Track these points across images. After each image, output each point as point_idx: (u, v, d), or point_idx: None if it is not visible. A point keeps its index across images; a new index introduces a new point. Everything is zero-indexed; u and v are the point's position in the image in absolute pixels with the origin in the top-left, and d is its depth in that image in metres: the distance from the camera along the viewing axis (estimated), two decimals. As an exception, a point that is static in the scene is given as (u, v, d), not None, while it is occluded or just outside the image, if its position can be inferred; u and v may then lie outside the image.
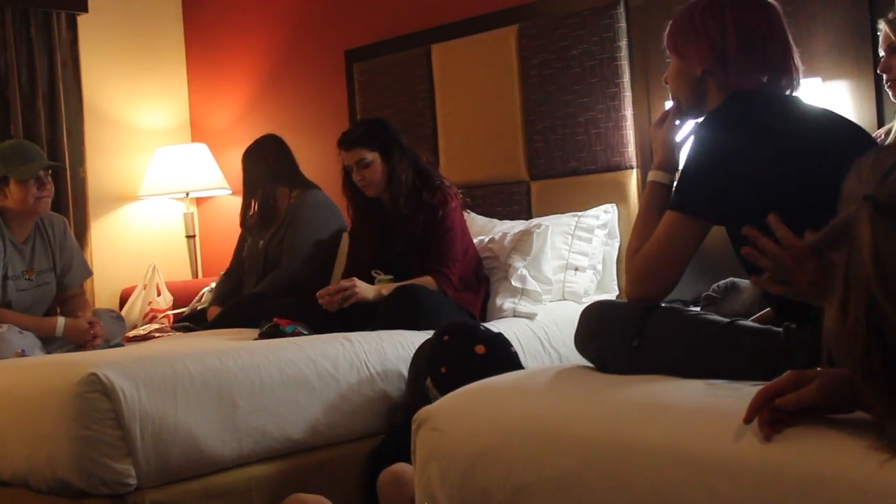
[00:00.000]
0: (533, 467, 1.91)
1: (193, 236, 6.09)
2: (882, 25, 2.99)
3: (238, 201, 4.86)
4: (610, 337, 2.27)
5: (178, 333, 4.36)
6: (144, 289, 5.25)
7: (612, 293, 4.24)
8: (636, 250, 2.28)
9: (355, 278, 3.80)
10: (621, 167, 4.22)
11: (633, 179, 4.20)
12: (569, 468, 1.85)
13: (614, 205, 4.23)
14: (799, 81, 2.34)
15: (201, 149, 6.00)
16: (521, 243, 4.02)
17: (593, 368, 2.33)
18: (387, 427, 3.32)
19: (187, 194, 5.98)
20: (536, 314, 3.88)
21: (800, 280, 1.72)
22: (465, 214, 4.15)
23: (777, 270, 1.73)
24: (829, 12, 3.63)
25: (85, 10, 5.79)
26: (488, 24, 4.69)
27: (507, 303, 3.91)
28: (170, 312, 5.15)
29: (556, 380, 2.27)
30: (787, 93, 2.33)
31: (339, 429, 3.27)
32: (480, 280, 4.01)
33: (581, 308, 2.47)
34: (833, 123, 2.30)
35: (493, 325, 3.53)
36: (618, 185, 4.23)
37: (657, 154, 2.47)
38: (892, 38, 2.94)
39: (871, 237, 1.37)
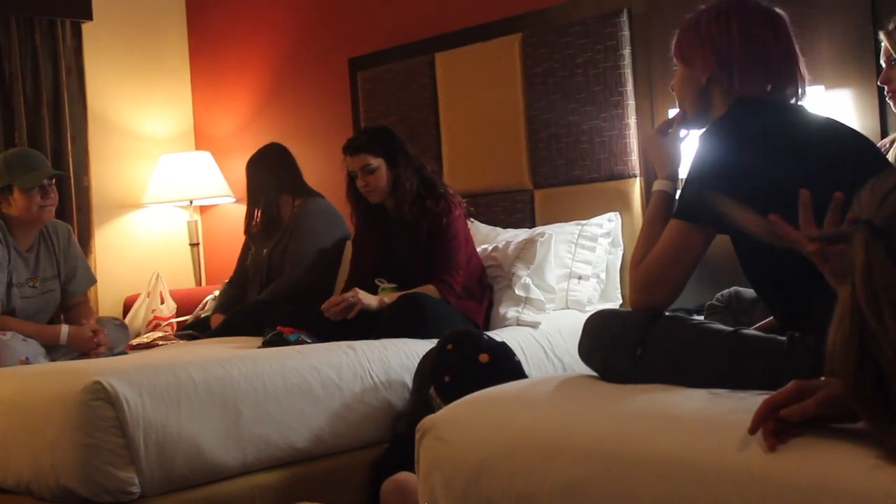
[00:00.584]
0: (536, 477, 1.91)
1: (197, 244, 6.10)
2: (882, 37, 2.98)
3: (242, 209, 4.87)
4: (613, 346, 2.27)
5: (181, 341, 4.36)
6: (148, 297, 5.26)
7: (615, 302, 4.24)
8: (640, 259, 2.27)
9: (357, 288, 3.80)
10: (625, 176, 4.23)
11: (636, 188, 4.20)
12: (573, 478, 1.85)
13: (618, 213, 4.23)
14: (804, 90, 2.34)
15: (205, 156, 6.01)
16: (525, 252, 4.02)
17: (597, 377, 2.33)
18: (390, 436, 3.32)
19: (191, 202, 5.99)
20: (540, 323, 3.88)
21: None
22: (469, 223, 4.15)
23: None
24: (833, 21, 3.63)
25: (89, 18, 5.80)
26: (492, 32, 4.70)
27: (510, 311, 3.91)
28: (173, 320, 5.15)
29: (560, 389, 2.27)
30: (793, 101, 2.33)
31: (343, 437, 3.27)
32: (484, 289, 4.01)
33: (584, 317, 2.47)
34: (837, 132, 2.30)
35: (497, 334, 3.53)
36: (621, 193, 4.23)
37: (661, 163, 2.47)
38: (891, 50, 2.94)
39: (864, 259, 1.39)
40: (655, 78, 4.13)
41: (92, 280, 4.48)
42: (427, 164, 4.12)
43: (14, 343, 3.76)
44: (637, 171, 4.20)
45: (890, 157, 3.03)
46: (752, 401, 1.71)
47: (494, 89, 4.67)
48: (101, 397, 2.77)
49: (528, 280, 3.95)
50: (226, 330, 4.29)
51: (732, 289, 3.11)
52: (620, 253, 4.24)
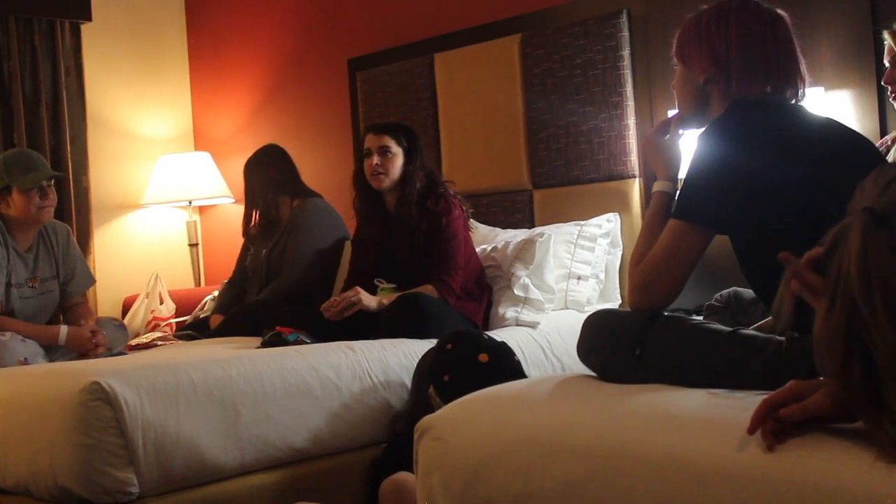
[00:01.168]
0: (535, 477, 1.91)
1: (196, 245, 6.10)
2: (887, 37, 2.98)
3: (241, 210, 4.86)
4: (612, 346, 2.27)
5: (180, 342, 4.36)
6: (147, 297, 5.25)
7: (614, 302, 4.24)
8: (640, 259, 2.27)
9: (358, 287, 3.80)
10: (624, 176, 4.23)
11: (635, 188, 4.20)
12: (571, 478, 1.85)
13: (617, 214, 4.23)
14: (804, 92, 2.34)
15: (204, 157, 6.01)
16: (524, 252, 4.02)
17: (596, 377, 2.33)
18: (389, 436, 3.32)
19: (190, 203, 5.99)
20: (539, 323, 3.88)
21: None
22: (472, 229, 4.15)
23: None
24: (833, 23, 3.63)
25: (89, 18, 5.80)
26: (491, 33, 4.70)
27: (509, 311, 3.91)
28: (172, 321, 5.15)
29: (559, 389, 2.27)
30: (792, 102, 2.33)
31: (342, 437, 3.27)
32: (483, 289, 4.01)
33: (583, 317, 2.46)
34: (836, 132, 2.30)
35: (496, 334, 3.53)
36: (620, 194, 4.24)
37: (661, 164, 2.47)
38: (894, 48, 2.94)
39: (861, 245, 1.38)
40: (655, 79, 4.13)
41: (91, 280, 4.48)
42: (440, 175, 4.12)
43: (13, 343, 3.76)
44: (636, 172, 4.20)
45: (890, 156, 3.03)
46: (751, 401, 1.71)
47: (494, 90, 4.67)
48: (99, 398, 2.77)
49: (527, 280, 3.95)
50: (225, 330, 4.29)
51: (731, 289, 3.11)
52: (619, 253, 4.25)
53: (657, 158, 2.49)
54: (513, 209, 4.63)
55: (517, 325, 3.87)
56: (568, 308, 4.16)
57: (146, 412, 2.82)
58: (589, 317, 2.43)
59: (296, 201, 4.64)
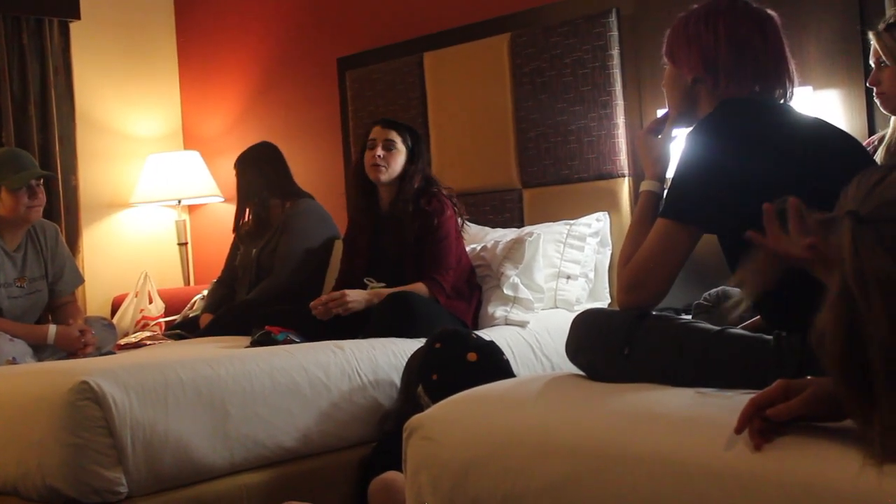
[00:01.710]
0: (524, 476, 1.91)
1: (185, 244, 6.09)
2: (872, 38, 2.98)
3: (230, 209, 4.86)
4: (601, 345, 2.27)
5: (169, 341, 4.35)
6: (136, 296, 5.25)
7: (604, 301, 4.24)
8: (628, 259, 2.28)
9: (346, 290, 3.79)
10: (613, 175, 4.23)
11: (624, 187, 4.21)
12: (559, 477, 1.85)
13: (606, 213, 4.24)
14: (793, 92, 2.34)
15: (193, 156, 6.00)
16: (513, 251, 4.02)
17: (584, 377, 2.33)
18: (378, 435, 3.32)
19: (179, 202, 5.98)
20: (528, 322, 3.88)
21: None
22: (464, 232, 4.14)
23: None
24: (821, 22, 3.64)
25: (77, 17, 5.79)
26: (481, 32, 4.70)
27: (498, 311, 3.91)
28: (161, 320, 5.15)
29: (547, 388, 2.27)
30: (781, 102, 2.33)
31: (331, 437, 3.27)
32: (472, 288, 4.01)
33: (573, 316, 2.47)
34: (824, 132, 2.31)
35: (485, 333, 3.53)
36: (610, 193, 4.24)
37: (649, 163, 2.48)
38: (880, 52, 2.94)
39: (851, 244, 1.40)
40: (644, 78, 4.14)
41: (79, 280, 4.47)
42: (438, 180, 4.12)
43: (1, 343, 3.75)
44: (625, 171, 4.21)
45: (878, 156, 3.04)
46: (739, 400, 1.71)
47: (483, 89, 4.67)
48: (88, 397, 2.76)
49: (516, 279, 3.96)
50: (214, 329, 4.28)
51: (720, 288, 3.12)
52: (609, 252, 4.25)
53: (646, 157, 2.49)
54: (502, 208, 4.63)
55: (506, 324, 3.88)
56: (557, 307, 4.16)
57: (135, 411, 2.82)
58: (577, 316, 2.43)
59: (287, 203, 4.64)
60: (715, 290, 3.13)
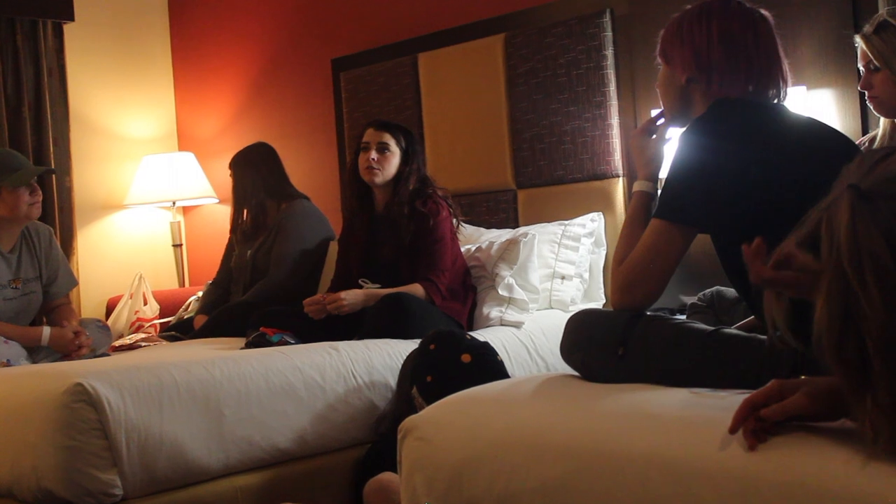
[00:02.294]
0: (518, 476, 1.91)
1: (180, 245, 6.08)
2: (858, 41, 2.97)
3: (225, 210, 4.86)
4: (595, 346, 2.27)
5: (164, 343, 4.35)
6: (131, 298, 5.24)
7: (598, 301, 4.24)
8: (622, 259, 2.28)
9: (342, 292, 3.79)
10: (608, 176, 4.23)
11: (619, 188, 4.21)
12: (554, 477, 1.85)
13: (601, 213, 4.24)
14: (786, 92, 2.35)
15: (188, 157, 6.00)
16: (508, 252, 4.02)
17: (579, 377, 2.33)
18: (373, 436, 3.32)
19: (174, 203, 5.97)
20: (523, 323, 3.88)
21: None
22: (460, 233, 4.15)
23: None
24: (814, 22, 3.65)
25: (71, 18, 5.78)
26: (475, 32, 4.70)
27: (493, 311, 3.91)
28: (156, 322, 5.14)
29: (542, 389, 2.27)
30: (774, 102, 2.33)
31: (326, 438, 3.27)
32: (467, 289, 4.01)
33: (568, 317, 2.47)
34: (817, 132, 2.31)
35: (480, 334, 3.53)
36: (604, 193, 4.24)
37: (642, 163, 2.48)
38: (870, 55, 2.93)
39: (850, 218, 1.38)
40: (638, 78, 4.14)
41: (74, 282, 4.47)
42: (433, 180, 4.12)
43: (-5, 345, 3.75)
44: (620, 172, 4.21)
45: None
46: (733, 400, 1.72)
47: (477, 90, 4.67)
48: (82, 399, 2.76)
49: (511, 280, 3.96)
50: (209, 331, 4.28)
51: (714, 288, 3.12)
52: (603, 253, 4.25)
53: (639, 157, 2.50)
54: (497, 209, 4.63)
55: (501, 324, 3.87)
56: (552, 308, 4.16)
57: (130, 413, 2.81)
58: (572, 316, 2.44)
59: (283, 204, 4.64)
60: (709, 290, 3.13)
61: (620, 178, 4.21)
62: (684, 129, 2.33)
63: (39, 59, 5.64)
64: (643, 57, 4.02)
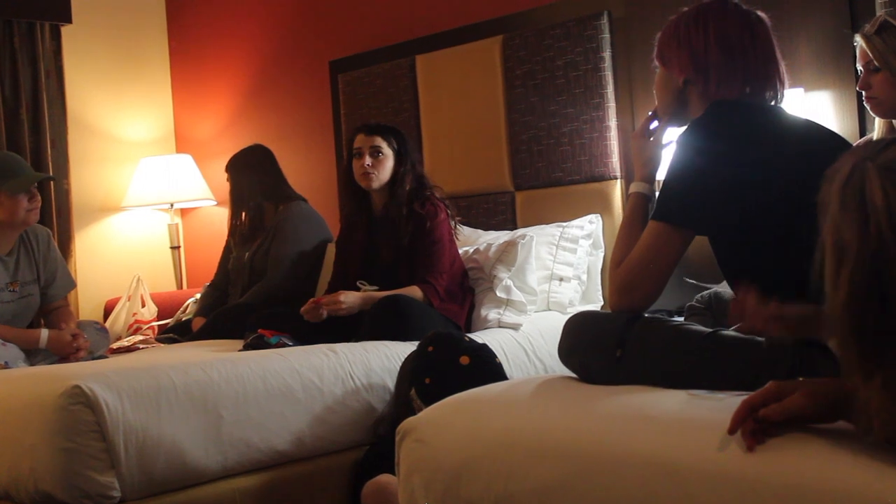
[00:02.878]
0: (516, 478, 1.91)
1: (178, 247, 6.08)
2: (859, 40, 2.97)
3: (223, 212, 4.86)
4: (593, 347, 2.27)
5: (162, 345, 4.34)
6: (129, 300, 5.24)
7: (596, 303, 4.24)
8: (619, 261, 2.28)
9: (341, 292, 3.79)
10: (605, 177, 4.23)
11: (617, 190, 4.21)
12: (552, 479, 1.85)
13: (599, 215, 4.24)
14: (783, 94, 2.35)
15: (186, 159, 6.00)
16: (506, 254, 4.03)
17: (577, 379, 2.33)
18: (371, 438, 3.32)
19: (172, 205, 5.97)
20: (521, 325, 3.88)
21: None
22: (457, 234, 4.14)
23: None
24: (812, 24, 3.65)
25: (69, 21, 5.78)
26: (473, 34, 4.70)
27: (491, 313, 3.91)
28: (154, 324, 5.14)
29: (540, 391, 2.27)
30: (772, 104, 2.34)
31: (324, 440, 3.27)
32: (465, 291, 4.01)
33: (566, 318, 2.47)
34: (815, 133, 2.32)
35: (478, 336, 3.53)
36: (602, 195, 4.24)
37: (640, 164, 2.48)
38: (870, 55, 2.92)
39: (881, 183, 1.38)
40: (636, 80, 4.14)
41: (72, 284, 4.46)
42: (429, 178, 4.12)
43: (-7, 347, 3.75)
44: (618, 173, 4.21)
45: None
46: (731, 401, 1.72)
47: (475, 92, 4.67)
48: (80, 401, 2.75)
49: (509, 282, 3.96)
50: (207, 333, 4.27)
51: (712, 290, 3.12)
52: (601, 255, 4.25)
53: (637, 158, 2.50)
54: (495, 211, 4.63)
55: (499, 326, 3.87)
56: (550, 309, 4.16)
57: (128, 416, 2.81)
58: (570, 318, 2.44)
59: (280, 206, 4.64)
60: (707, 291, 3.13)
61: (618, 180, 4.21)
62: (682, 131, 2.33)
63: (37, 61, 5.64)
64: (641, 59, 4.02)
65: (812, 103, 3.60)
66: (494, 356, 3.25)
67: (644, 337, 2.18)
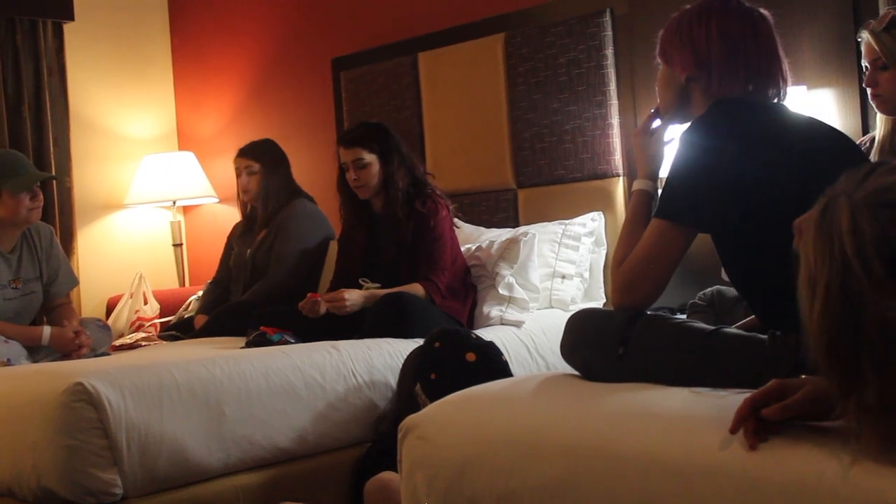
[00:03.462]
0: (518, 475, 1.91)
1: (180, 245, 6.08)
2: (865, 36, 2.94)
3: (225, 209, 4.85)
4: (595, 345, 2.27)
5: (164, 342, 4.34)
6: (131, 297, 5.24)
7: (599, 301, 4.24)
8: (622, 259, 2.28)
9: (344, 290, 3.79)
10: (608, 175, 4.23)
11: (619, 187, 4.21)
12: (554, 476, 1.86)
13: (601, 213, 4.24)
14: (786, 91, 2.35)
15: (188, 157, 5.99)
16: (508, 251, 4.02)
17: (579, 376, 2.33)
18: (374, 435, 3.32)
19: (174, 203, 5.97)
20: (523, 322, 3.88)
21: None
22: (456, 228, 4.15)
23: None
24: (815, 22, 3.64)
25: (71, 18, 5.78)
26: (475, 32, 4.70)
27: (494, 311, 3.91)
28: (156, 321, 5.14)
29: (542, 388, 2.27)
30: (774, 101, 2.33)
31: (326, 437, 3.27)
32: (467, 288, 4.01)
33: (568, 316, 2.47)
34: (818, 131, 2.31)
35: (481, 334, 3.53)
36: (604, 192, 4.24)
37: (642, 162, 2.48)
38: (878, 51, 2.91)
39: (850, 215, 1.40)
40: (638, 77, 4.14)
41: (74, 281, 4.46)
42: (419, 165, 4.13)
43: (-5, 344, 3.75)
44: (620, 171, 4.21)
45: (871, 157, 3.03)
46: (733, 399, 1.72)
47: (478, 89, 4.67)
48: (83, 398, 2.76)
49: (511, 279, 3.96)
50: (209, 331, 4.27)
51: (715, 288, 3.12)
52: (604, 252, 4.25)
53: (640, 155, 2.50)
54: (497, 208, 4.63)
55: (502, 324, 3.87)
56: (552, 307, 4.16)
57: (130, 413, 2.81)
58: (572, 316, 2.44)
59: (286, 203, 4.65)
60: (710, 289, 3.13)
61: (621, 178, 4.21)
62: (684, 128, 2.32)
63: (39, 58, 5.64)
64: (643, 56, 4.01)
65: (814, 101, 3.60)
66: (500, 354, 3.25)
67: (646, 334, 2.18)
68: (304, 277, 4.51)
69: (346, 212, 4.18)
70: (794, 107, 2.41)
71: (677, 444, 1.72)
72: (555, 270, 4.16)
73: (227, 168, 4.76)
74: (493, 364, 3.17)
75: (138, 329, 5.02)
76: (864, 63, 2.98)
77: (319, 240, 4.63)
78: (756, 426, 1.61)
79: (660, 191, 2.33)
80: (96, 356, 3.94)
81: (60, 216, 5.62)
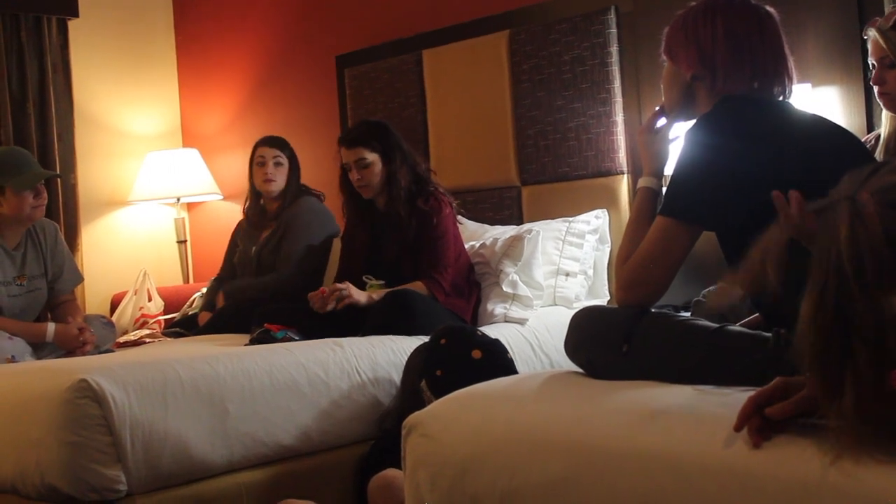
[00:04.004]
0: (522, 473, 1.91)
1: (184, 241, 6.08)
2: (872, 33, 2.94)
3: (229, 206, 4.85)
4: (599, 343, 2.27)
5: (168, 339, 4.35)
6: (135, 294, 5.25)
7: (603, 298, 4.24)
8: (626, 256, 2.28)
9: (348, 282, 3.80)
10: (612, 172, 4.23)
11: (623, 185, 4.21)
12: (558, 474, 1.85)
13: (605, 210, 4.24)
14: (791, 89, 2.34)
15: (192, 154, 6.00)
16: (512, 249, 4.02)
17: (583, 374, 2.33)
18: (377, 433, 3.32)
19: (178, 199, 5.98)
20: (527, 319, 3.88)
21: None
22: (459, 224, 4.15)
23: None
24: (819, 19, 3.64)
25: (76, 15, 5.79)
26: (479, 29, 4.70)
27: (498, 308, 3.91)
28: (161, 318, 5.15)
29: (546, 386, 2.27)
30: (779, 99, 2.33)
31: (330, 434, 3.27)
32: (471, 286, 4.01)
33: (572, 313, 2.47)
34: (823, 128, 2.31)
35: (485, 331, 3.53)
36: (608, 190, 4.24)
37: (647, 160, 2.48)
38: (886, 49, 2.90)
39: (849, 221, 1.40)
40: (643, 75, 4.14)
41: (79, 278, 4.47)
42: (421, 162, 4.13)
43: (0, 341, 3.75)
44: (624, 168, 4.21)
45: (876, 154, 3.02)
46: (737, 397, 1.71)
47: (482, 86, 4.67)
48: (87, 395, 2.76)
49: (515, 277, 3.96)
50: (213, 327, 4.28)
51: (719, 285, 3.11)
52: (608, 250, 4.25)
53: (644, 153, 2.49)
54: (501, 206, 4.63)
55: (505, 321, 3.87)
56: (556, 304, 4.16)
57: (134, 410, 2.81)
58: (576, 313, 2.43)
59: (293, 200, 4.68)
60: (714, 286, 3.12)
61: (625, 175, 4.21)
62: (690, 126, 2.32)
63: (44, 55, 5.64)
64: (648, 54, 4.01)
65: (820, 99, 3.59)
66: (506, 351, 3.25)
67: (650, 332, 2.18)
68: (309, 275, 4.52)
69: (348, 210, 4.18)
70: (799, 104, 2.41)
71: (681, 442, 1.72)
72: (559, 268, 4.16)
73: (231, 165, 4.77)
74: (498, 362, 3.17)
75: (142, 326, 5.03)
76: (871, 61, 2.97)
77: (324, 236, 4.64)
78: (760, 424, 1.60)
79: (664, 188, 2.32)
80: (100, 353, 3.94)
81: (65, 213, 5.63)
